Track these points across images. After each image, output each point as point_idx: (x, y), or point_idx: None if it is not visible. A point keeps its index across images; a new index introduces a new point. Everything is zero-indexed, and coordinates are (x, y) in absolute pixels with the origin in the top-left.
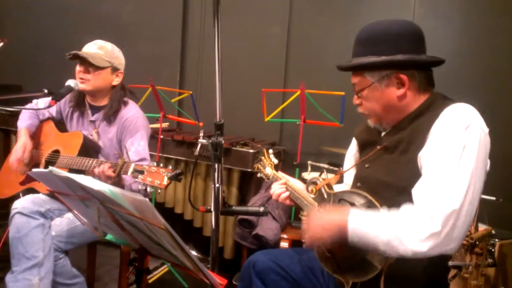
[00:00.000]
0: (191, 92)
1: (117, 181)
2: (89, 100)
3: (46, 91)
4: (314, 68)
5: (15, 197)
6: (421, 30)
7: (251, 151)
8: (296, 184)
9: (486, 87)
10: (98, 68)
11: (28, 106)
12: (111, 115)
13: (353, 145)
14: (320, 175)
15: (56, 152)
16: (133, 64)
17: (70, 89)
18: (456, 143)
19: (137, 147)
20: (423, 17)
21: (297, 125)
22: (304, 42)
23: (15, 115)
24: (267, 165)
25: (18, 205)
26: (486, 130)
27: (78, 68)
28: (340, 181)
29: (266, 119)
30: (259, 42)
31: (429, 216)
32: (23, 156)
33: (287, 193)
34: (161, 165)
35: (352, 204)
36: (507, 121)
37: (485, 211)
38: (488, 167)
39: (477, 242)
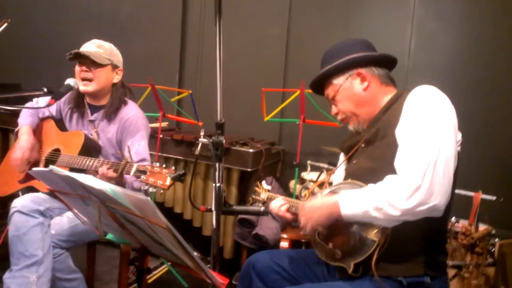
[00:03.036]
0: (190, 91)
1: (119, 181)
2: (88, 100)
3: (45, 90)
4: (314, 68)
5: (14, 196)
6: (371, 43)
7: (251, 150)
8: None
9: (485, 87)
10: (100, 65)
11: (28, 104)
12: (111, 113)
13: (341, 157)
14: (318, 176)
15: (57, 151)
16: (132, 63)
17: (69, 88)
18: (424, 109)
19: (138, 148)
20: (423, 18)
21: (297, 125)
22: (303, 42)
23: (14, 114)
24: (262, 192)
25: (17, 203)
26: (450, 102)
27: (78, 68)
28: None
29: (266, 119)
30: (259, 42)
31: (409, 173)
32: (26, 154)
33: (287, 205)
34: (164, 165)
35: None
36: (507, 121)
37: (486, 211)
38: (459, 138)
39: (478, 242)
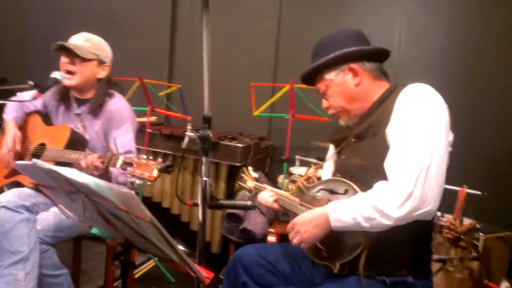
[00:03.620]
0: (180, 86)
1: (105, 174)
2: (74, 93)
3: (31, 83)
4: (304, 63)
5: None
6: (364, 34)
7: (240, 145)
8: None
9: (474, 83)
10: (84, 59)
11: (13, 98)
12: (96, 109)
13: (331, 149)
14: (307, 170)
15: (42, 145)
16: (121, 57)
17: (55, 81)
18: (416, 111)
19: (123, 140)
20: (412, 12)
21: (286, 120)
22: (294, 36)
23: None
24: (248, 180)
25: (2, 199)
26: (443, 102)
27: (63, 59)
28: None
29: (255, 113)
30: (249, 36)
31: (401, 179)
32: (15, 147)
33: (275, 197)
34: (151, 157)
35: (331, 191)
36: (495, 117)
37: (470, 206)
38: (451, 138)
39: (462, 236)
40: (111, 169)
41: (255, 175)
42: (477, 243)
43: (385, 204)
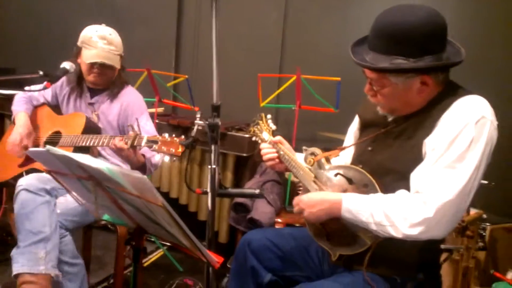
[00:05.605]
0: (186, 76)
1: (131, 155)
2: (88, 84)
3: (41, 73)
4: (310, 54)
5: (5, 183)
6: (445, 22)
7: (246, 136)
8: (292, 152)
9: (479, 74)
10: (114, 67)
11: (22, 91)
12: (114, 95)
13: (356, 122)
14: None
15: (57, 133)
16: (128, 48)
17: (65, 71)
18: (465, 135)
19: (145, 127)
20: (422, 1)
21: (293, 111)
22: (300, 27)
23: (9, 99)
24: (265, 130)
25: (23, 182)
26: (496, 123)
27: (94, 69)
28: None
29: (262, 104)
30: (255, 26)
31: (424, 201)
32: (27, 140)
33: (275, 155)
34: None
35: (349, 180)
36: (499, 107)
37: (477, 195)
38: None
39: (468, 226)
40: (143, 150)
41: (273, 126)
42: (483, 233)
43: (399, 218)
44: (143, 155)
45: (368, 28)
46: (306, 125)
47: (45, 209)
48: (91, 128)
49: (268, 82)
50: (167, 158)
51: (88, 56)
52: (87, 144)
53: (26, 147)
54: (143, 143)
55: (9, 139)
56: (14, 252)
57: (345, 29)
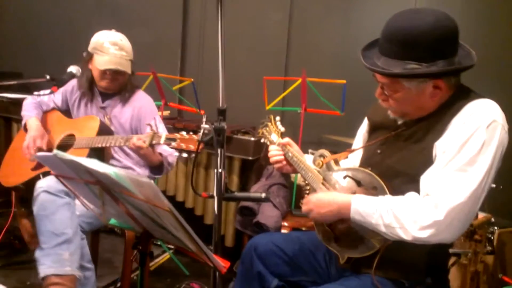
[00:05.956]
0: (192, 80)
1: (150, 153)
2: (100, 88)
3: (48, 77)
4: (316, 56)
5: (14, 187)
6: (456, 25)
7: (252, 139)
8: (301, 154)
9: (484, 75)
10: (127, 72)
11: (31, 96)
12: (127, 99)
13: (365, 124)
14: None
15: (71, 136)
16: (133, 51)
17: (72, 75)
18: (476, 139)
19: (158, 129)
20: (425, 3)
21: (298, 114)
22: (305, 29)
23: (16, 103)
24: (273, 132)
25: (43, 184)
26: (506, 127)
27: (107, 76)
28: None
29: (267, 108)
30: (260, 29)
31: (434, 204)
32: (40, 143)
33: (282, 157)
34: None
35: (358, 182)
36: (506, 108)
37: (485, 198)
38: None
39: (477, 229)
40: (160, 150)
41: (282, 128)
42: (491, 237)
43: (409, 221)
44: (160, 154)
45: (373, 30)
46: (312, 128)
47: (65, 210)
48: (104, 131)
49: (273, 85)
50: (185, 155)
51: (101, 62)
52: (105, 145)
53: (40, 149)
54: (162, 141)
55: (24, 143)
56: (38, 254)
57: (349, 31)
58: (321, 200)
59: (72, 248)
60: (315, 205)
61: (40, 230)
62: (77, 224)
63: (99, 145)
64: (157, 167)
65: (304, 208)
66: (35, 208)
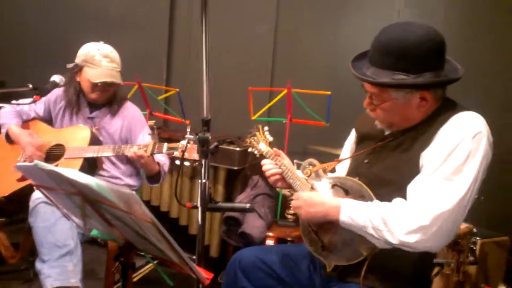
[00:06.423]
0: (178, 90)
1: (150, 162)
2: (89, 99)
3: (30, 86)
4: (301, 67)
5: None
6: (444, 39)
7: (238, 149)
8: (290, 164)
9: (469, 83)
10: (117, 84)
11: (9, 105)
12: (115, 111)
13: (352, 135)
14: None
15: (59, 146)
16: None
17: (55, 84)
18: (462, 149)
19: (147, 139)
20: (408, 16)
21: (284, 124)
22: (291, 41)
23: None
24: (261, 141)
25: (40, 194)
26: (491, 139)
27: (98, 88)
28: (333, 170)
29: (253, 118)
30: (246, 40)
31: (420, 210)
32: (38, 141)
33: (279, 170)
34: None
35: (346, 191)
36: (491, 118)
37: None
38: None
39: (459, 240)
40: (158, 159)
41: (270, 138)
42: (474, 247)
43: (396, 224)
44: (157, 163)
45: (357, 41)
46: (297, 139)
47: (65, 221)
48: (94, 140)
49: (259, 95)
50: (187, 164)
51: (94, 75)
52: (100, 155)
53: (40, 148)
54: (164, 150)
55: (26, 151)
56: (41, 266)
57: (334, 43)
58: (312, 199)
59: (75, 259)
60: (305, 203)
61: (40, 242)
62: (77, 235)
63: (95, 155)
64: (155, 176)
65: (294, 203)
66: (33, 220)
